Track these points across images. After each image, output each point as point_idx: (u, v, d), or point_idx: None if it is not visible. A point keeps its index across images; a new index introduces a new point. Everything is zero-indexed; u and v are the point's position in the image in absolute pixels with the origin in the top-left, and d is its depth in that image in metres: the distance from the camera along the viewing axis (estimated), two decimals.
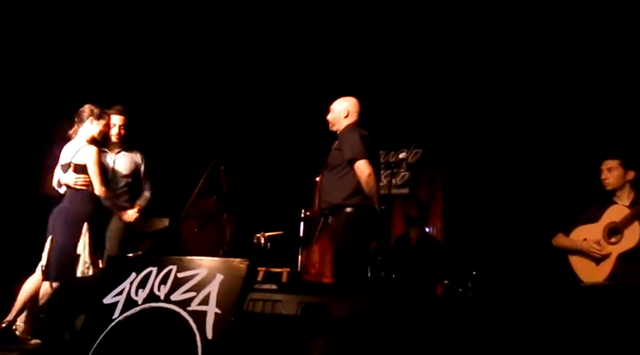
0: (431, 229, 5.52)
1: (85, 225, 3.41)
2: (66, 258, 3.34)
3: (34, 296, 3.42)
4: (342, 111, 3.50)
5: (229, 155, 4.72)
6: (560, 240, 3.45)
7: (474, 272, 3.91)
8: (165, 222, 4.55)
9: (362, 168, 3.27)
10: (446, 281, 4.11)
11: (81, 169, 3.48)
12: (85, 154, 3.50)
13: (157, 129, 5.84)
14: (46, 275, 3.34)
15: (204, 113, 5.89)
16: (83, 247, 3.37)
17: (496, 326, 2.38)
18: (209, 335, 1.95)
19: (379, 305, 2.23)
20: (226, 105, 5.84)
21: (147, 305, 2.15)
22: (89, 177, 3.48)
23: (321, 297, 2.26)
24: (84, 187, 3.48)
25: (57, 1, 4.43)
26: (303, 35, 4.92)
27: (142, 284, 2.21)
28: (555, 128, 4.79)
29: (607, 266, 3.19)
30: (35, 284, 3.43)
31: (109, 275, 2.34)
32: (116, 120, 3.81)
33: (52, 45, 4.84)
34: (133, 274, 2.26)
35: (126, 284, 2.24)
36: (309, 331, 2.17)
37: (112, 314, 2.19)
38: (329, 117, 3.58)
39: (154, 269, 2.23)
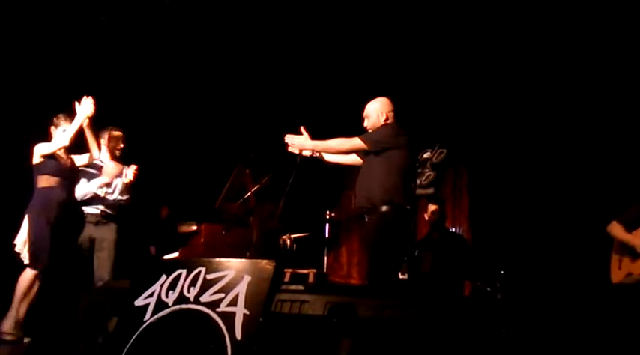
0: (456, 229, 5.46)
1: (26, 217, 3.67)
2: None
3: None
4: (381, 115, 3.37)
5: (254, 158, 4.76)
6: (618, 232, 3.39)
7: (502, 272, 3.87)
8: (193, 226, 4.62)
9: (355, 142, 3.24)
10: (474, 281, 4.07)
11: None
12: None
13: (182, 135, 5.94)
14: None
15: (229, 117, 5.96)
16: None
17: (525, 326, 2.35)
18: (238, 335, 1.97)
19: (406, 305, 2.23)
20: (251, 108, 5.90)
21: (177, 306, 2.19)
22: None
23: (348, 297, 2.26)
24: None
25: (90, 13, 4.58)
26: (329, 37, 4.94)
27: (172, 286, 2.25)
28: (584, 123, 4.69)
29: None
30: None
31: (140, 278, 2.39)
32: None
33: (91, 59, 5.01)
34: (164, 276, 2.30)
35: (156, 287, 2.28)
36: (337, 331, 2.18)
37: (144, 315, 2.23)
38: (367, 124, 3.42)
39: (184, 271, 2.27)
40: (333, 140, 3.30)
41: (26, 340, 3.63)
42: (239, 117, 5.96)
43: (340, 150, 3.34)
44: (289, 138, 3.32)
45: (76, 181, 3.88)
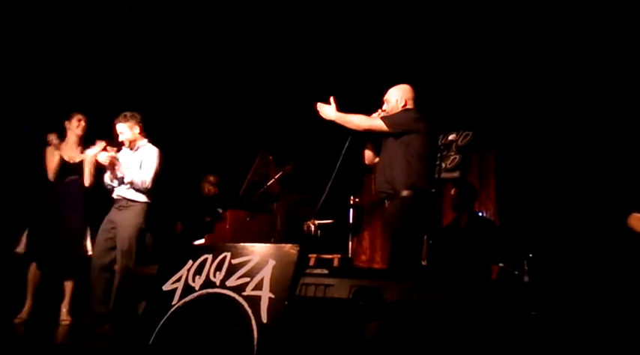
0: (483, 213, 5.38)
1: None
2: None
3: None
4: (399, 100, 3.39)
5: (278, 144, 4.77)
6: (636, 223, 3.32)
7: (530, 255, 3.80)
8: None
9: (374, 121, 3.29)
10: (501, 264, 4.01)
11: None
12: None
13: (205, 122, 5.99)
14: None
15: (253, 103, 5.97)
16: None
17: (555, 309, 2.31)
18: (264, 319, 1.99)
19: (433, 289, 2.21)
20: (274, 95, 5.90)
21: (204, 291, 2.22)
22: None
23: (373, 281, 2.26)
24: None
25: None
26: (355, 21, 4.88)
27: (199, 271, 2.29)
28: (613, 104, 4.55)
29: None
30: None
31: (168, 263, 2.43)
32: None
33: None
34: (190, 261, 2.34)
35: (183, 272, 2.33)
36: (362, 314, 2.18)
37: (171, 300, 2.28)
38: (385, 108, 3.44)
39: (210, 257, 2.30)
40: (355, 115, 3.33)
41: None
42: (262, 104, 5.96)
43: (359, 127, 3.34)
44: (319, 106, 3.38)
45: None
